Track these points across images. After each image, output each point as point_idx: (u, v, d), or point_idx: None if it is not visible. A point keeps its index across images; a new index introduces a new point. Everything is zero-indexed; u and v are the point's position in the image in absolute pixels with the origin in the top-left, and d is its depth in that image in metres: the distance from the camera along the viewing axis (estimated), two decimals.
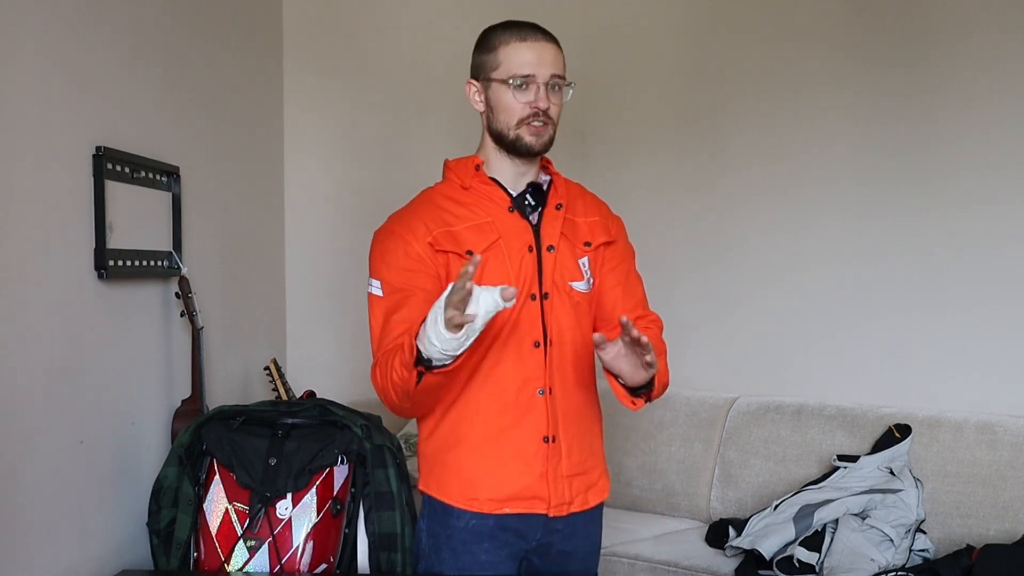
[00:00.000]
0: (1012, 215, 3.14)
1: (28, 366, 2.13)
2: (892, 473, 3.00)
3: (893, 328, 3.34)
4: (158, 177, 2.71)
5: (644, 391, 1.92)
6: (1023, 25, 3.10)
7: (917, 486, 2.97)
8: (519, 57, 1.94)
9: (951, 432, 3.07)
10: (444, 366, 1.78)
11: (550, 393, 1.98)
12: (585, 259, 2.03)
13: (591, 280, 2.04)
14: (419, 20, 3.85)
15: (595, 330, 2.05)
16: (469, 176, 2.02)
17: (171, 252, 2.77)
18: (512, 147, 1.98)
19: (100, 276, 2.38)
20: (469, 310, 1.68)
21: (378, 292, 1.97)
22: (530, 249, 1.98)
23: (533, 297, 1.97)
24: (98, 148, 2.36)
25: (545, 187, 2.06)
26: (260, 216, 3.58)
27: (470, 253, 1.92)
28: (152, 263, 2.66)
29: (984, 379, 3.18)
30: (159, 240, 2.73)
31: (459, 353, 1.76)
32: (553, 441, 1.98)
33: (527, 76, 1.93)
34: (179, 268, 2.78)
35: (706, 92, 3.66)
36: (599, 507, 2.11)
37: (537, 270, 1.98)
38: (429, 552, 2.05)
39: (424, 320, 1.76)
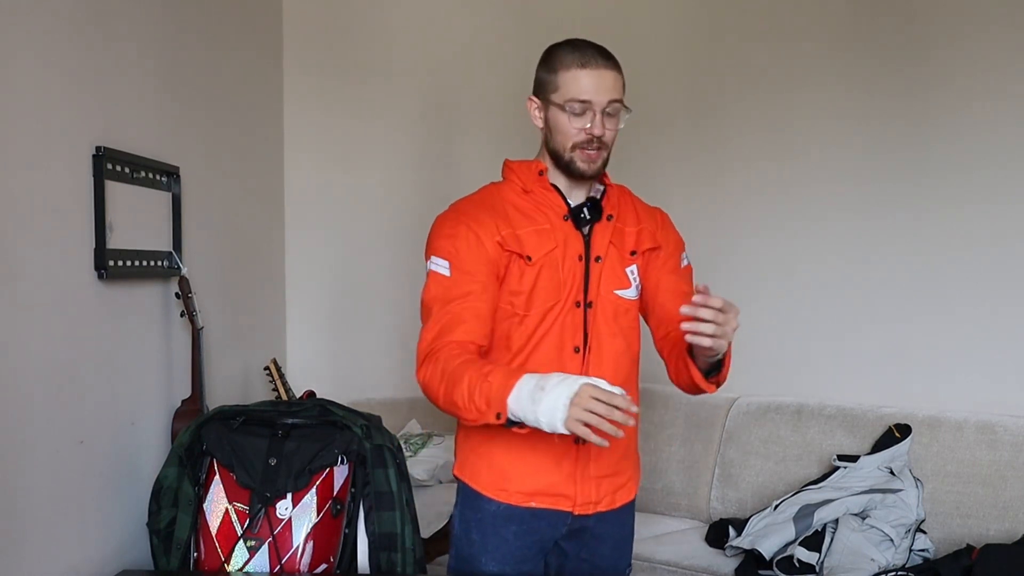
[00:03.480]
0: (1012, 215, 3.14)
1: (28, 366, 2.13)
2: (892, 473, 3.00)
3: (893, 328, 3.34)
4: (158, 177, 2.71)
5: (714, 374, 2.01)
6: (1023, 25, 3.10)
7: (917, 486, 2.97)
8: (578, 84, 1.96)
9: (951, 432, 3.07)
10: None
11: None
12: (633, 267, 2.09)
13: (640, 286, 2.11)
14: (419, 20, 3.85)
15: (655, 330, 2.14)
16: (532, 180, 2.06)
17: (171, 252, 2.77)
18: (566, 169, 2.03)
19: (100, 276, 2.38)
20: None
21: (444, 271, 1.97)
22: (580, 259, 2.04)
23: (578, 304, 2.03)
24: (98, 148, 2.36)
25: (599, 197, 2.10)
26: (260, 216, 3.58)
27: (529, 258, 1.99)
28: (152, 263, 2.66)
29: (984, 379, 3.18)
30: (159, 240, 2.73)
31: None
32: (583, 443, 2.02)
33: (584, 103, 1.96)
34: (179, 268, 2.78)
35: (706, 92, 3.66)
36: (630, 503, 2.21)
37: (584, 279, 2.03)
38: (460, 535, 2.12)
39: (519, 382, 1.80)
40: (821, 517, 2.92)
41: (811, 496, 3.02)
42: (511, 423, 1.82)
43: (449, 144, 3.86)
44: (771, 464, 3.32)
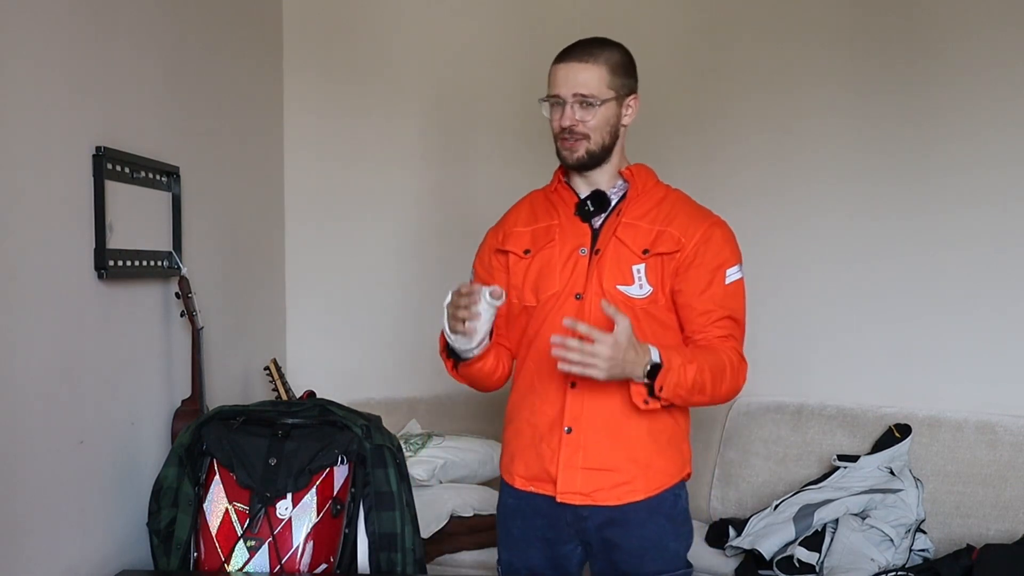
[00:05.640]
0: (1012, 215, 3.14)
1: (28, 366, 2.13)
2: (892, 473, 3.00)
3: (893, 328, 3.34)
4: (158, 177, 2.71)
5: (652, 393, 2.03)
6: (1023, 25, 3.11)
7: (917, 486, 2.97)
8: (552, 79, 2.09)
9: (951, 432, 3.07)
10: (469, 358, 2.10)
11: (576, 388, 2.09)
12: (641, 266, 2.08)
13: (647, 288, 2.08)
14: (419, 21, 3.85)
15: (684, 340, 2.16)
16: (556, 180, 2.21)
17: (171, 252, 2.77)
18: (560, 159, 2.14)
19: (100, 276, 2.38)
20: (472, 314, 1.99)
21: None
22: (582, 252, 2.11)
23: (577, 297, 2.09)
24: (98, 148, 2.36)
25: (619, 193, 2.16)
26: (260, 216, 3.58)
27: (527, 252, 2.15)
28: (152, 263, 2.66)
29: (984, 379, 3.19)
30: (159, 240, 2.73)
31: (476, 351, 2.07)
32: (569, 432, 2.10)
33: (553, 96, 2.07)
34: (179, 268, 2.78)
35: (706, 93, 3.66)
36: (657, 505, 2.22)
37: (587, 272, 2.10)
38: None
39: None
40: (821, 517, 2.92)
41: (811, 496, 3.02)
42: (451, 353, 2.11)
43: (450, 143, 3.86)
44: (771, 464, 3.32)
